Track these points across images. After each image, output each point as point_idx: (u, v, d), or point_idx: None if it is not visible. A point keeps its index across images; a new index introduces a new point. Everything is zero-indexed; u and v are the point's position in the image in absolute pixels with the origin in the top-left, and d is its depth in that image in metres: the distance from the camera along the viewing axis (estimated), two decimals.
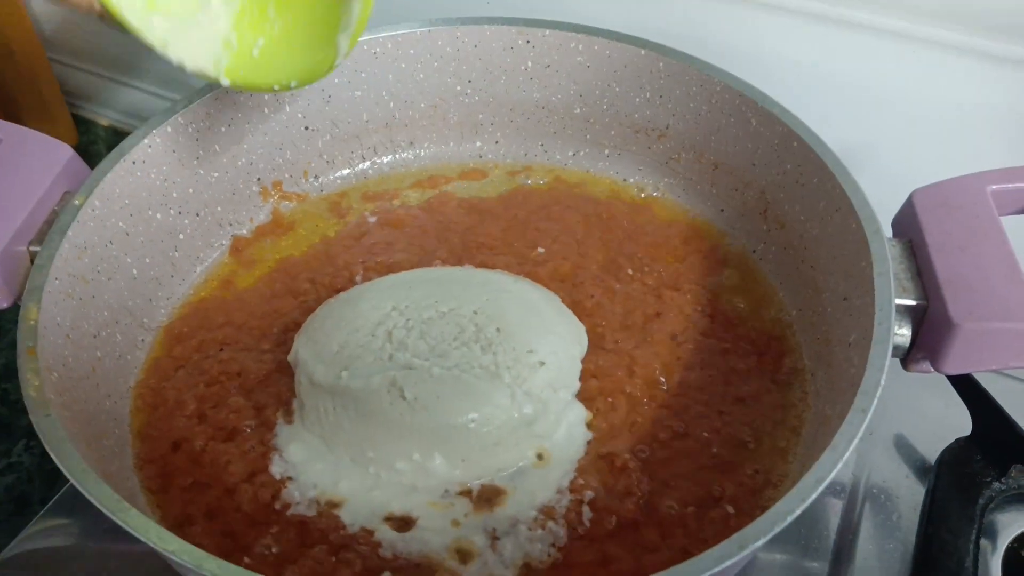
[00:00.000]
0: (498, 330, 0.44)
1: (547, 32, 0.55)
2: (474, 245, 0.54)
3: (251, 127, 0.55)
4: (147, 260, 0.51)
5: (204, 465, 0.44)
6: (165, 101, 0.87)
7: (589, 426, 0.44)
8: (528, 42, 0.56)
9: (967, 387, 0.51)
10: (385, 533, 0.41)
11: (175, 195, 0.52)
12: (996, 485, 0.48)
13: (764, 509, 0.33)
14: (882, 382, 0.36)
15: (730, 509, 0.41)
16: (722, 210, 0.55)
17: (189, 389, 0.47)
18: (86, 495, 0.35)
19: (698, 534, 0.40)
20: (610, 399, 0.45)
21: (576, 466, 0.43)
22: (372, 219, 0.57)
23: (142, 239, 0.50)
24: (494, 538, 0.40)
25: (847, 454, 0.34)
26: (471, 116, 0.59)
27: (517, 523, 0.41)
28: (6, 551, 0.49)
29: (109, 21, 0.43)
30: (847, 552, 0.48)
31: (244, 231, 0.56)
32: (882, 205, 0.44)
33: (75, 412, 0.41)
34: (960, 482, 0.49)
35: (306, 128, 0.57)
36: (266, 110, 0.55)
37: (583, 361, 0.47)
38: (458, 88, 0.58)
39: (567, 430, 0.44)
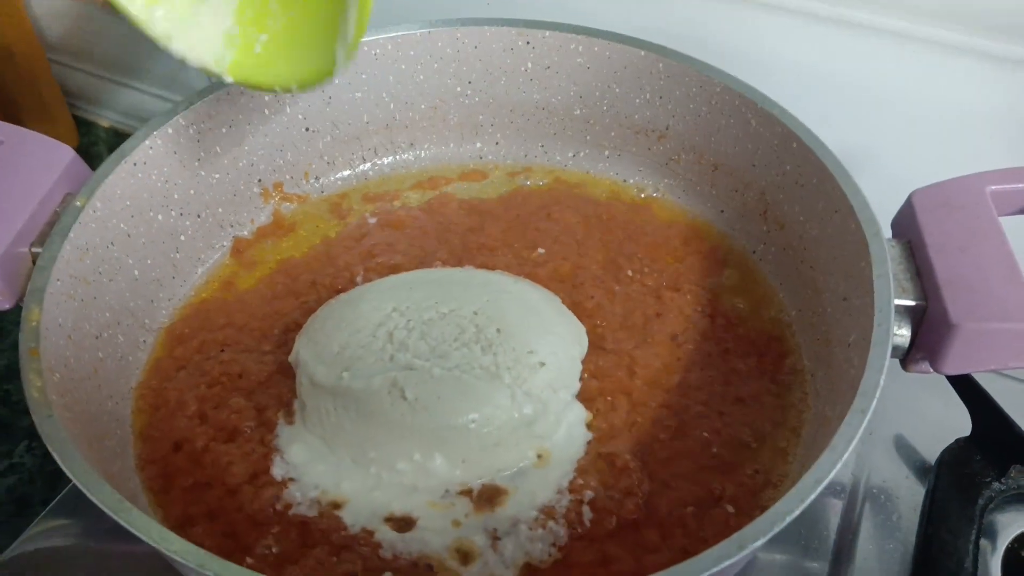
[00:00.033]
0: (498, 331, 0.44)
1: (547, 33, 0.55)
2: (474, 246, 0.54)
3: (252, 128, 0.55)
4: (148, 261, 0.51)
5: (205, 466, 0.44)
6: (166, 103, 0.87)
7: (589, 426, 0.45)
8: (528, 43, 0.56)
9: (967, 387, 0.52)
10: (386, 534, 0.41)
11: (176, 196, 0.52)
12: (996, 485, 0.48)
13: (764, 509, 0.33)
14: (881, 382, 0.37)
15: (730, 509, 0.41)
16: (722, 211, 0.55)
17: (190, 390, 0.47)
18: (88, 495, 0.35)
19: (698, 534, 0.40)
20: (610, 399, 0.46)
21: (576, 466, 0.43)
22: (373, 220, 0.57)
23: (143, 240, 0.50)
24: (495, 538, 0.41)
25: (846, 454, 0.34)
26: (471, 117, 0.59)
27: (518, 523, 0.41)
28: (7, 552, 0.49)
29: (113, 12, 0.43)
30: (847, 552, 0.48)
31: (245, 232, 0.56)
32: (882, 206, 0.45)
33: (77, 413, 0.41)
34: (960, 482, 0.49)
35: (307, 129, 0.57)
36: (267, 111, 0.55)
37: (583, 362, 0.47)
38: (458, 89, 0.58)
39: (567, 430, 0.44)
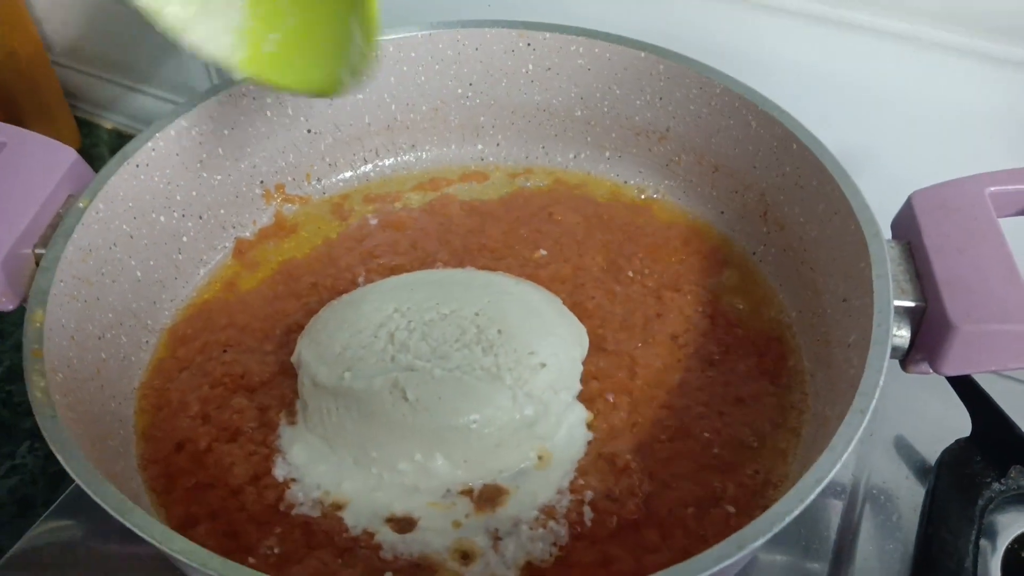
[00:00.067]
0: (499, 332, 0.44)
1: (548, 35, 0.56)
2: (475, 247, 0.54)
3: (254, 130, 0.55)
4: (151, 263, 0.51)
5: (208, 466, 0.44)
6: (168, 104, 0.88)
7: (590, 427, 0.45)
8: (529, 45, 0.56)
9: (967, 388, 0.52)
10: (386, 535, 0.41)
11: (178, 198, 0.52)
12: (996, 486, 0.49)
13: (764, 509, 0.33)
14: (881, 383, 0.37)
15: (731, 509, 0.41)
16: (722, 212, 0.55)
17: (193, 390, 0.47)
18: (91, 495, 0.35)
19: (698, 534, 0.40)
20: (611, 400, 0.46)
21: (577, 466, 0.43)
22: (374, 221, 0.57)
23: (146, 242, 0.51)
24: (496, 538, 0.41)
25: (845, 455, 0.34)
26: (472, 119, 0.60)
27: (519, 523, 0.41)
28: (10, 552, 0.49)
29: (123, 6, 0.43)
30: (847, 553, 0.48)
31: (247, 233, 0.57)
32: (882, 207, 0.45)
33: (80, 413, 0.41)
34: (960, 483, 0.49)
35: (308, 131, 0.57)
36: (269, 113, 0.55)
37: (584, 362, 0.47)
38: (459, 91, 0.58)
39: (568, 431, 0.44)
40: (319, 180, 0.59)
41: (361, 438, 0.43)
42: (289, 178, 0.58)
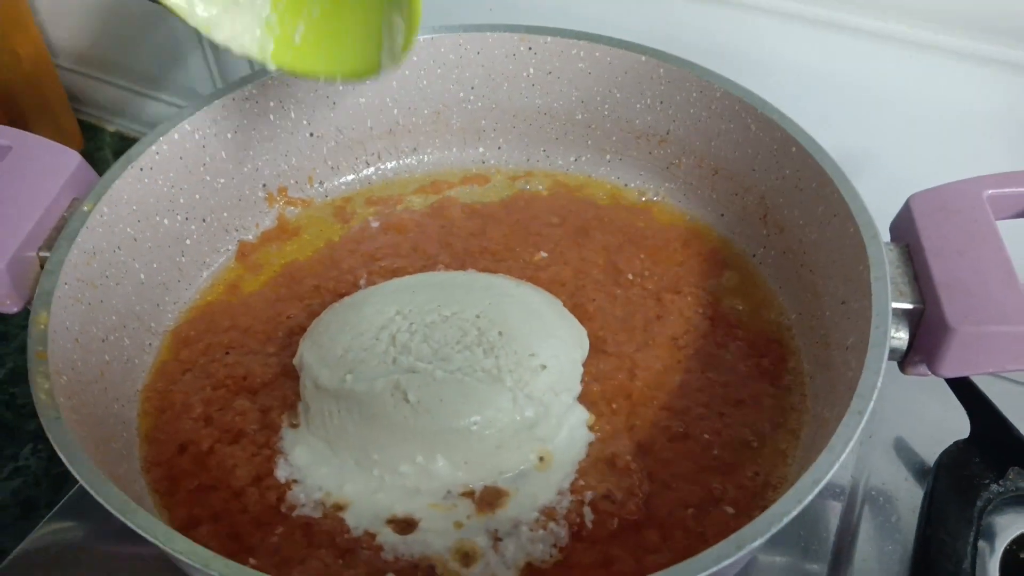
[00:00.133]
0: (500, 334, 0.44)
1: (549, 39, 0.56)
2: (477, 250, 0.55)
3: (257, 134, 0.55)
4: (154, 265, 0.51)
5: (210, 468, 0.44)
6: (171, 108, 0.88)
7: (590, 428, 0.45)
8: (530, 49, 0.57)
9: (965, 390, 0.52)
10: (387, 536, 0.41)
11: (182, 201, 0.53)
12: (994, 487, 0.49)
13: (764, 510, 0.33)
14: (878, 385, 0.37)
15: (730, 510, 0.41)
16: (722, 214, 0.56)
17: (196, 392, 0.47)
18: (95, 496, 0.35)
19: (698, 535, 0.40)
20: (611, 402, 0.46)
21: (577, 468, 0.43)
22: (376, 224, 0.57)
23: (149, 245, 0.51)
24: (496, 539, 0.41)
25: (843, 456, 0.35)
26: (474, 122, 0.60)
27: (519, 524, 0.41)
28: (13, 554, 0.50)
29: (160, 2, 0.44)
30: (846, 554, 0.48)
31: (250, 236, 0.57)
32: (881, 209, 0.45)
33: (83, 415, 0.42)
34: (958, 484, 0.49)
35: (311, 135, 0.58)
36: (272, 117, 0.55)
37: (584, 364, 0.47)
38: (461, 95, 0.59)
39: (568, 432, 0.44)
40: (321, 183, 0.60)
41: (363, 440, 0.43)
42: (292, 181, 0.58)
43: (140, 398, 0.48)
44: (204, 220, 0.54)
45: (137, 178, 0.49)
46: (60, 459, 0.37)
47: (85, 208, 0.46)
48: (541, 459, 0.43)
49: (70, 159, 0.48)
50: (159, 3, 0.43)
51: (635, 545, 0.40)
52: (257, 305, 0.53)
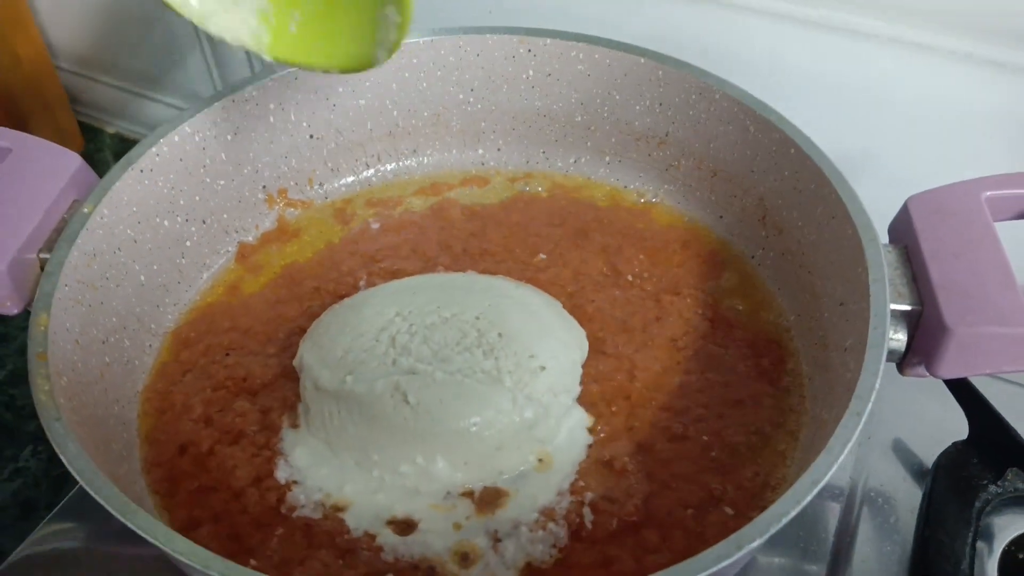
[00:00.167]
0: (500, 335, 0.45)
1: (548, 41, 0.56)
2: (476, 251, 0.55)
3: (257, 136, 0.55)
4: (155, 267, 0.51)
5: (211, 469, 0.44)
6: (172, 110, 0.88)
7: (590, 429, 0.45)
8: (529, 51, 0.57)
9: (964, 391, 0.52)
10: (387, 537, 0.41)
11: (182, 203, 0.53)
12: (992, 488, 0.49)
13: (763, 511, 0.34)
14: (877, 386, 0.37)
15: (729, 511, 0.41)
16: (721, 216, 0.56)
17: (196, 393, 0.48)
18: (95, 497, 0.35)
19: (698, 535, 0.41)
20: (611, 403, 0.46)
21: (577, 468, 0.43)
22: (376, 225, 0.58)
23: (150, 246, 0.51)
24: (496, 540, 0.41)
25: (842, 457, 0.35)
26: (473, 124, 0.60)
27: (519, 525, 0.41)
28: (13, 555, 0.50)
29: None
30: (845, 554, 0.48)
31: (250, 238, 0.57)
32: (880, 211, 0.45)
33: (84, 417, 0.42)
34: (957, 485, 0.49)
35: (311, 136, 0.58)
36: (272, 119, 0.56)
37: (584, 366, 0.47)
38: (460, 96, 0.59)
39: (568, 433, 0.44)
40: (321, 185, 0.60)
41: (363, 441, 0.43)
42: (292, 183, 0.58)
43: (140, 399, 0.48)
44: (204, 222, 0.55)
45: (137, 180, 0.50)
46: (60, 460, 0.37)
47: (85, 210, 0.47)
48: (541, 460, 0.43)
49: (70, 161, 0.48)
50: None
51: (635, 545, 0.40)
52: (257, 306, 0.53)
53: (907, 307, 0.41)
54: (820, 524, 0.49)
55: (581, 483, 0.43)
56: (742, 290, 0.52)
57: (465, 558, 0.41)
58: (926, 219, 0.43)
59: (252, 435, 0.45)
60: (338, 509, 0.42)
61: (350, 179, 0.60)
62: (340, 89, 0.57)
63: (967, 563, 0.45)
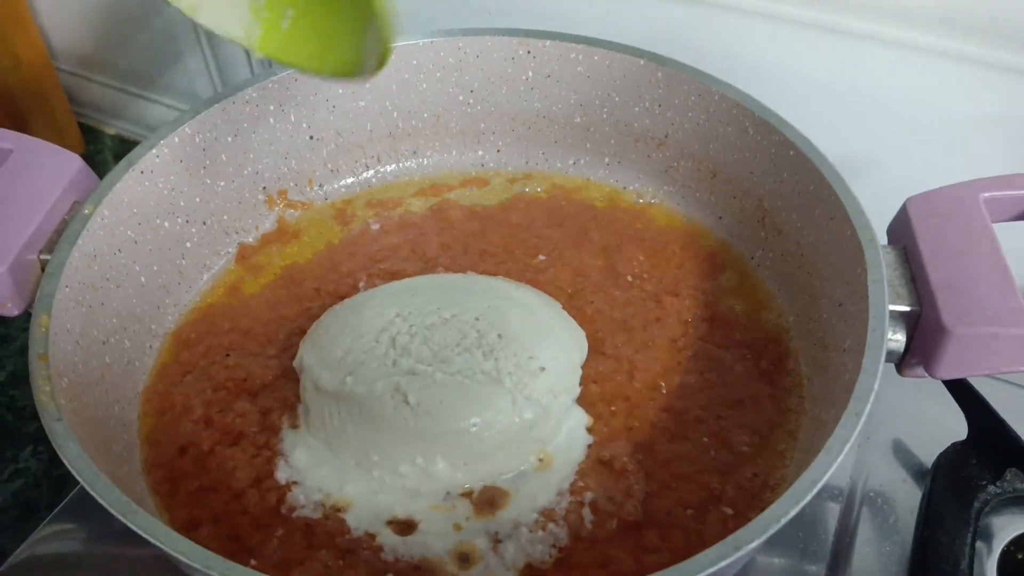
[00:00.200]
0: (500, 336, 0.45)
1: (548, 43, 0.56)
2: (476, 252, 0.55)
3: (257, 137, 0.56)
4: (155, 268, 0.52)
5: (211, 469, 0.44)
6: (172, 111, 0.88)
7: (589, 430, 0.45)
8: (529, 52, 0.57)
9: (963, 392, 0.52)
10: (387, 537, 0.41)
11: (182, 204, 0.53)
12: (991, 488, 0.49)
13: (762, 511, 0.34)
14: (876, 387, 0.37)
15: (729, 511, 0.42)
16: (720, 217, 0.56)
17: (196, 394, 0.48)
18: (96, 497, 0.35)
19: (697, 536, 0.41)
20: (610, 403, 0.46)
21: (577, 469, 0.43)
22: (376, 226, 0.58)
23: (150, 247, 0.51)
24: (496, 540, 0.41)
25: (841, 457, 0.35)
26: (473, 125, 0.60)
27: (519, 525, 0.41)
28: (13, 556, 0.50)
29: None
30: (844, 555, 0.48)
31: (250, 239, 0.57)
32: (879, 212, 0.45)
33: (84, 417, 0.42)
34: (956, 486, 0.49)
35: (311, 138, 0.58)
36: (272, 120, 0.56)
37: (583, 366, 0.47)
38: (460, 98, 0.59)
39: (568, 434, 0.45)
40: (321, 186, 0.60)
41: (363, 442, 0.43)
42: (292, 184, 0.58)
43: (141, 400, 0.48)
44: (204, 223, 0.55)
45: (138, 181, 0.50)
46: (60, 461, 0.37)
47: (86, 211, 0.47)
48: (540, 460, 0.44)
49: (71, 162, 0.49)
50: None
51: (634, 545, 0.40)
52: (257, 307, 0.53)
53: (906, 308, 0.41)
54: (820, 524, 0.49)
55: (581, 483, 0.43)
56: (741, 291, 0.52)
57: (465, 559, 0.41)
58: (925, 220, 0.43)
59: (252, 436, 0.45)
60: (338, 509, 0.43)
61: (350, 180, 0.60)
62: (340, 91, 0.57)
63: (966, 563, 0.46)
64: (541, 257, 0.54)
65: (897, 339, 0.42)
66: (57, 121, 0.90)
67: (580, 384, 0.47)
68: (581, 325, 0.49)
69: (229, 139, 0.54)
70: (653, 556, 0.40)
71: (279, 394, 0.47)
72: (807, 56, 0.57)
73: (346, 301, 0.50)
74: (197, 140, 0.52)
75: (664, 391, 0.47)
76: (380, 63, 0.40)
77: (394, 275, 0.53)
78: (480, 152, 0.61)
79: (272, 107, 0.55)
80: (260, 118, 0.55)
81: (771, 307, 0.51)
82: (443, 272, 0.53)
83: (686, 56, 0.54)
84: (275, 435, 0.46)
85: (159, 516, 0.43)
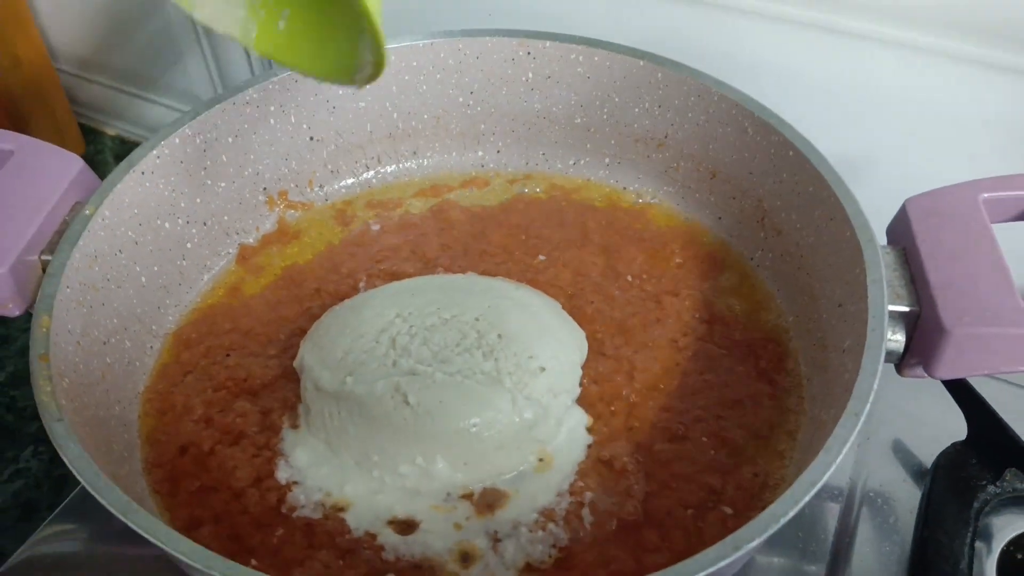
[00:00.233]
0: (499, 336, 0.45)
1: (548, 44, 0.56)
2: (476, 252, 0.55)
3: (257, 138, 0.56)
4: (155, 268, 0.52)
5: (211, 469, 0.44)
6: (172, 112, 0.88)
7: (589, 430, 0.45)
8: (529, 53, 0.57)
9: (962, 392, 0.52)
10: (388, 537, 0.42)
11: (183, 205, 0.53)
12: (991, 488, 0.49)
13: (762, 511, 0.34)
14: (875, 387, 0.37)
15: (728, 511, 0.42)
16: (720, 218, 0.56)
17: (197, 394, 0.48)
18: (97, 497, 0.36)
19: (697, 535, 0.41)
20: (610, 403, 0.46)
21: (576, 469, 0.44)
22: (376, 227, 0.58)
23: (151, 248, 0.51)
24: (496, 540, 0.41)
25: (840, 457, 0.35)
26: (473, 126, 0.60)
27: (518, 525, 0.41)
28: (14, 557, 0.50)
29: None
30: (844, 555, 0.48)
31: (250, 240, 0.57)
32: (878, 213, 0.45)
33: (85, 418, 0.42)
34: (956, 486, 0.49)
35: (311, 138, 0.58)
36: (272, 121, 0.56)
37: (583, 366, 0.47)
38: (460, 99, 0.59)
39: (568, 434, 0.45)
40: (322, 186, 0.60)
41: (363, 442, 0.43)
42: (292, 185, 0.59)
43: (141, 400, 0.48)
44: (205, 223, 0.55)
45: (139, 182, 0.50)
46: (61, 461, 0.37)
47: (87, 212, 0.47)
48: (540, 460, 0.44)
49: (72, 163, 0.49)
50: None
51: (634, 545, 0.40)
52: (258, 308, 0.53)
53: (905, 308, 0.42)
54: (819, 524, 0.49)
55: (580, 483, 0.43)
56: (741, 291, 0.52)
57: (465, 558, 0.41)
58: (924, 221, 0.43)
59: (253, 436, 0.46)
60: (339, 509, 0.43)
61: (350, 181, 0.61)
62: (340, 92, 0.57)
63: (966, 563, 0.46)
64: (541, 257, 0.54)
65: (896, 339, 0.42)
66: (57, 122, 0.90)
67: (580, 384, 0.47)
68: (581, 325, 0.49)
69: (229, 140, 0.54)
70: (653, 556, 0.40)
71: (279, 394, 0.47)
72: (806, 56, 0.57)
73: (346, 302, 0.50)
74: (198, 141, 0.53)
75: (664, 391, 0.47)
76: (374, 73, 0.41)
77: (394, 275, 0.53)
78: (480, 153, 0.61)
79: (272, 108, 0.55)
80: (260, 119, 0.55)
81: (771, 307, 0.51)
82: (443, 272, 0.53)
83: (685, 57, 0.54)
84: (275, 435, 0.46)
85: (160, 516, 0.43)
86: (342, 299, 0.51)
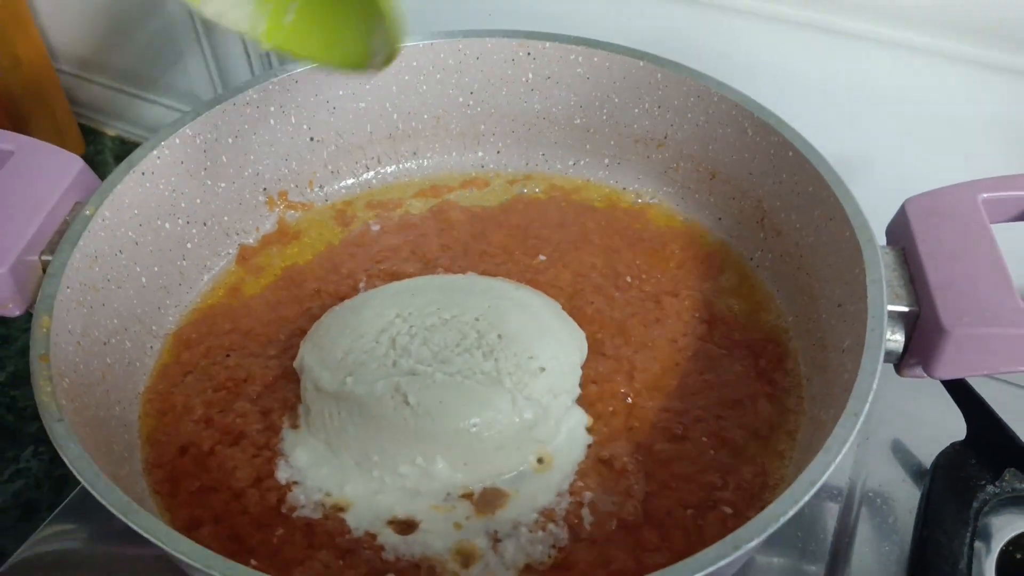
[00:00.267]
0: (499, 336, 0.45)
1: (547, 44, 0.56)
2: (476, 253, 0.55)
3: (257, 138, 0.56)
4: (156, 269, 0.52)
5: (211, 469, 0.44)
6: (172, 112, 0.88)
7: (589, 430, 0.45)
8: (529, 54, 0.57)
9: (962, 392, 0.52)
10: (388, 536, 0.42)
11: (183, 205, 0.53)
12: (990, 488, 0.49)
13: (761, 511, 0.34)
14: (874, 387, 0.37)
15: (728, 511, 0.42)
16: (720, 218, 0.56)
17: (197, 394, 0.48)
18: (97, 497, 0.36)
19: (697, 535, 0.41)
20: (610, 404, 0.46)
21: (576, 469, 0.44)
22: (376, 227, 0.58)
23: (151, 248, 0.51)
24: (495, 540, 0.41)
25: (840, 457, 0.35)
26: (473, 127, 0.60)
27: (518, 525, 0.41)
28: (14, 557, 0.50)
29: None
30: (843, 555, 0.48)
31: (250, 240, 0.57)
32: (878, 213, 0.45)
33: (85, 418, 0.42)
34: (955, 486, 0.49)
35: (311, 139, 0.58)
36: (272, 122, 0.56)
37: (583, 367, 0.47)
38: (460, 99, 0.59)
39: (567, 434, 0.45)
40: (322, 187, 0.60)
41: (363, 442, 0.43)
42: (292, 185, 0.59)
43: (141, 400, 0.48)
44: (205, 224, 0.55)
45: (139, 182, 0.50)
46: (61, 461, 0.37)
47: (87, 212, 0.47)
48: (540, 461, 0.44)
49: (72, 163, 0.49)
50: None
51: (634, 545, 0.40)
52: (258, 308, 0.53)
53: (904, 308, 0.42)
54: (819, 524, 0.49)
55: (580, 483, 0.43)
56: (741, 291, 0.53)
57: (465, 558, 0.41)
58: (923, 221, 0.43)
59: (253, 436, 0.46)
60: (339, 509, 0.43)
61: (350, 181, 0.61)
62: (340, 92, 0.57)
63: (965, 563, 0.46)
64: (541, 258, 0.54)
65: (896, 339, 0.42)
66: (57, 122, 0.90)
67: (580, 384, 0.47)
68: (581, 325, 0.49)
69: (230, 140, 0.54)
70: (653, 556, 0.40)
71: (279, 394, 0.48)
72: (803, 56, 0.57)
73: (346, 302, 0.50)
74: (198, 141, 0.53)
75: (664, 391, 0.47)
76: (387, 59, 0.40)
77: (394, 276, 0.53)
78: (480, 153, 0.61)
79: (272, 108, 0.55)
80: (261, 119, 0.55)
81: (770, 307, 0.51)
82: (443, 273, 0.54)
83: (686, 58, 0.54)
84: (275, 435, 0.46)
85: (160, 516, 0.43)
86: (342, 299, 0.51)
